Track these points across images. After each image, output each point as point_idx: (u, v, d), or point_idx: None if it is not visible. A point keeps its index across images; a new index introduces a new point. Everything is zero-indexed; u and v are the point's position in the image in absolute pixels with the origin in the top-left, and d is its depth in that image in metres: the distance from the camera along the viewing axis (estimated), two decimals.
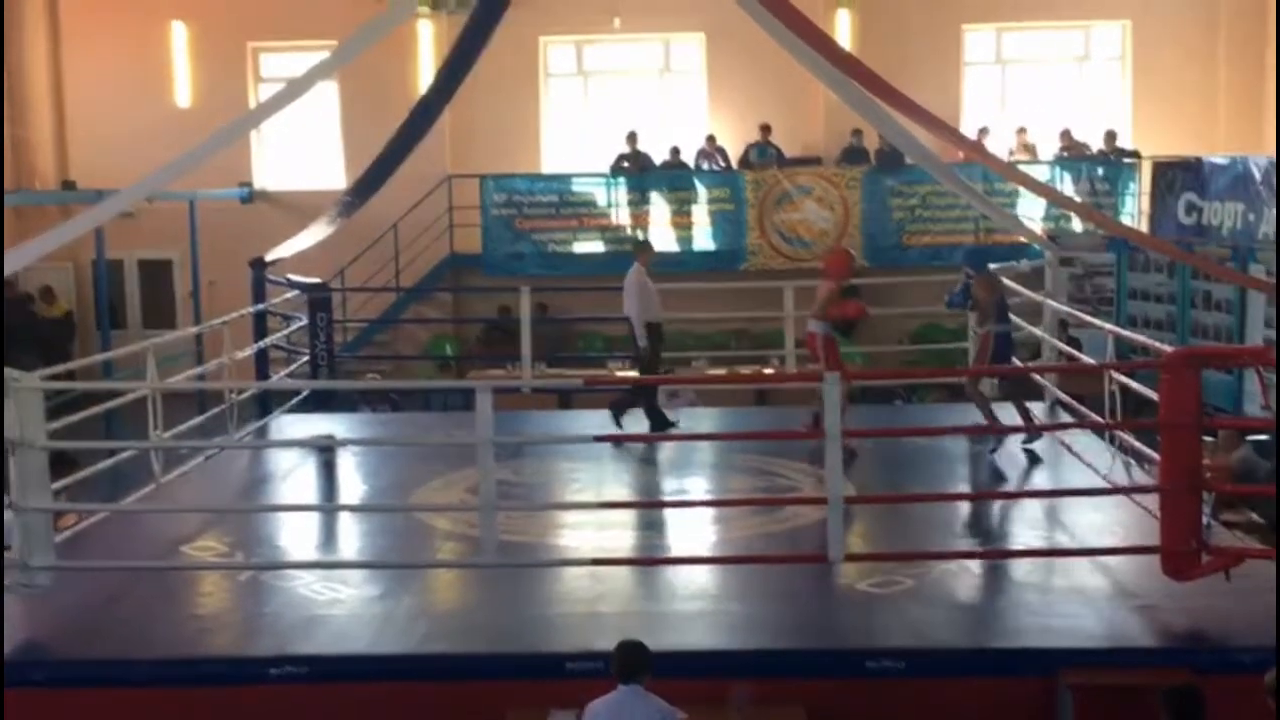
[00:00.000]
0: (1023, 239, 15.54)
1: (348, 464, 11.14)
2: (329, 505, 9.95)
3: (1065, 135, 19.57)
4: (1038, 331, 11.91)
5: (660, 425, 11.48)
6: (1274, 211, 15.61)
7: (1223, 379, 14.20)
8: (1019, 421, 10.36)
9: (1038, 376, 11.98)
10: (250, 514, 9.54)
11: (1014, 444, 10.71)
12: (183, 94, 20.62)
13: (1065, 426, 10.84)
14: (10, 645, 6.83)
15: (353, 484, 10.71)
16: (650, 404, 11.68)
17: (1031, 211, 18.70)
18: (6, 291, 17.13)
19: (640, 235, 18.21)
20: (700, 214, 19.40)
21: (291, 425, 12.62)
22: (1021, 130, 19.73)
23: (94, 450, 9.67)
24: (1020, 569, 7.76)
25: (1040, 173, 18.63)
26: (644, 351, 11.70)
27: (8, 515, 7.30)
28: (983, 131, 19.41)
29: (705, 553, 8.46)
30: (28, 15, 20.26)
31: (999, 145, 19.50)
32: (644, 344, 11.68)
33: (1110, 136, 19.49)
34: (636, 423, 11.57)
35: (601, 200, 19.58)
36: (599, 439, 10.00)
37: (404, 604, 7.54)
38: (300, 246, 13.49)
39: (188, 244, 19.23)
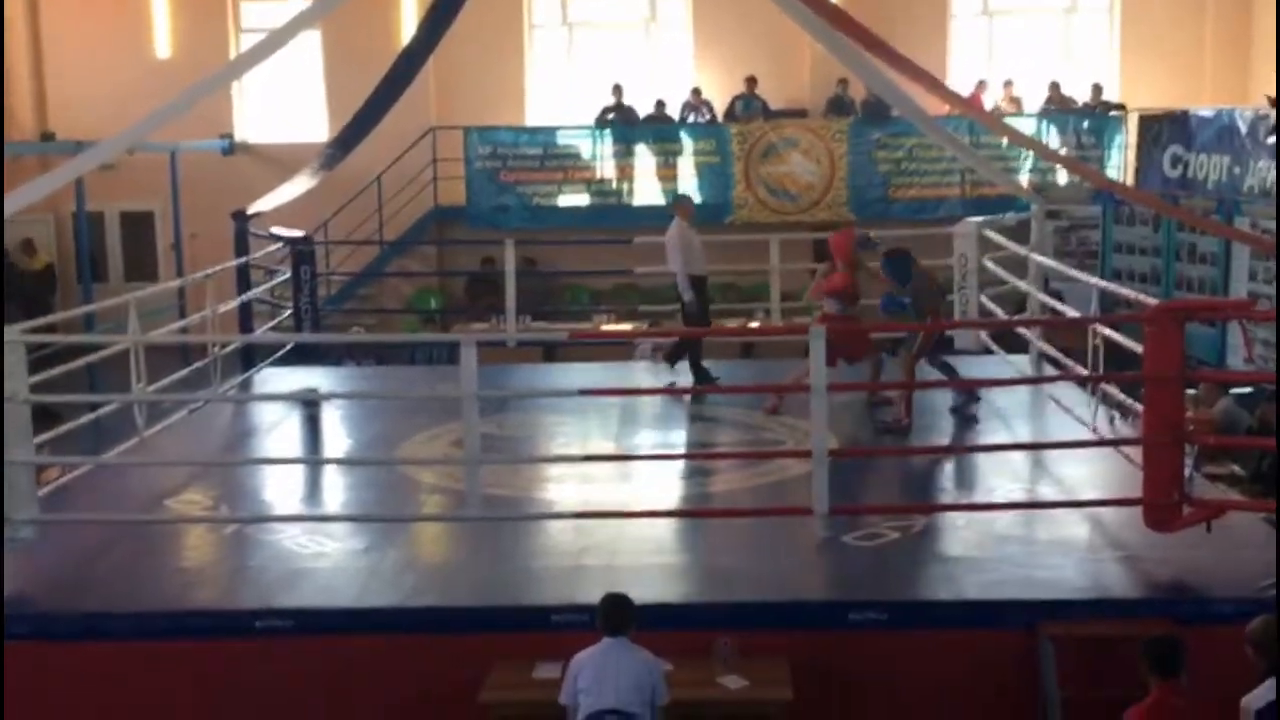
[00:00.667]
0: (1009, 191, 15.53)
1: (332, 418, 11.12)
2: (313, 459, 9.95)
3: (1053, 88, 19.51)
4: (1022, 285, 11.91)
5: (703, 379, 11.44)
6: (1258, 164, 15.61)
7: (1206, 332, 14.24)
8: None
9: (1023, 330, 11.99)
10: (234, 467, 9.52)
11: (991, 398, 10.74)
12: (162, 44, 20.41)
13: (1049, 379, 10.86)
14: None
15: (337, 438, 10.70)
16: (695, 357, 11.64)
17: (1017, 164, 18.67)
18: None
19: (677, 192, 18.11)
20: (686, 167, 19.31)
21: (275, 378, 12.59)
22: (1008, 83, 19.67)
23: (77, 404, 9.65)
24: (1003, 521, 7.79)
25: (1026, 126, 18.58)
26: (690, 305, 11.62)
27: None
28: (980, 85, 19.35)
29: (690, 506, 8.49)
30: None
31: (987, 99, 19.45)
32: (689, 297, 11.60)
33: (1096, 90, 19.44)
34: (612, 377, 11.53)
35: (586, 153, 19.47)
36: (584, 393, 9.99)
37: (389, 557, 7.55)
38: (283, 199, 13.41)
39: (169, 196, 19.13)
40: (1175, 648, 5.52)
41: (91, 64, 20.03)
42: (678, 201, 12.64)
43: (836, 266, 10.92)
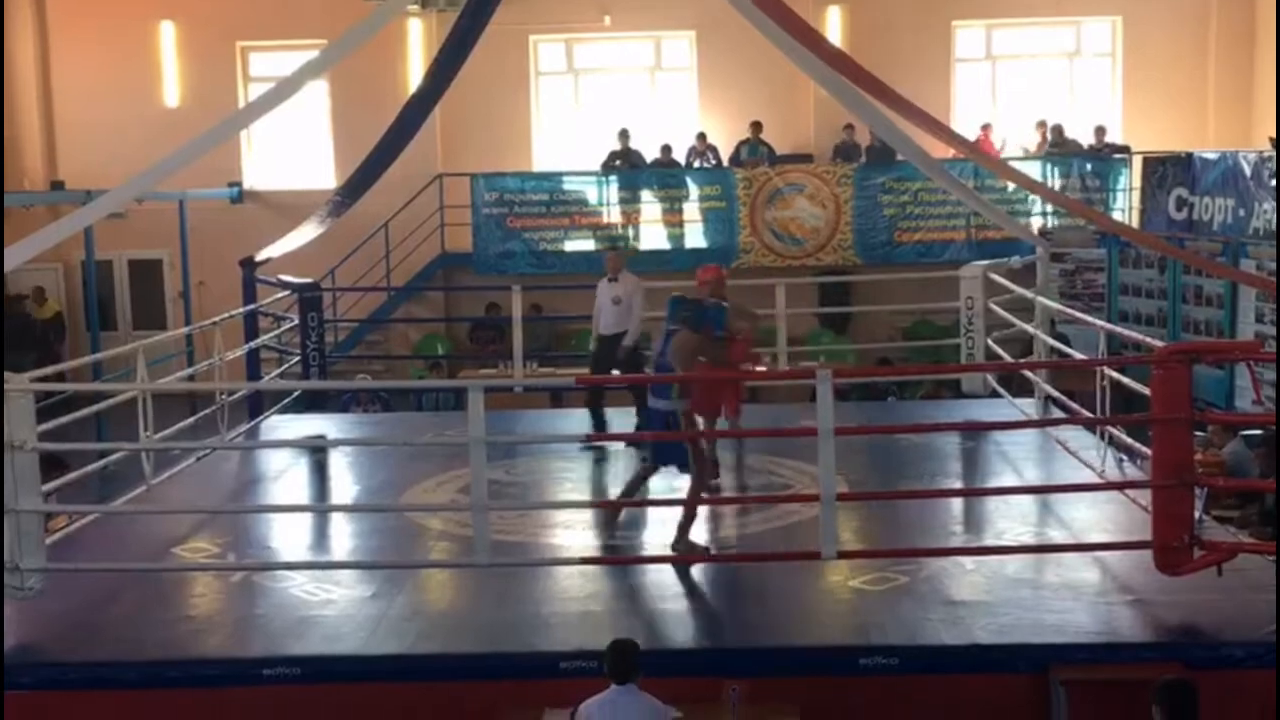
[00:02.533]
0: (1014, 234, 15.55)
1: (339, 464, 11.11)
2: (321, 506, 9.93)
3: (1056, 130, 19.59)
4: (1029, 328, 11.91)
5: (599, 423, 11.26)
6: (1263, 206, 15.65)
7: (1214, 374, 14.23)
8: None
9: (1029, 373, 11.99)
10: (242, 515, 9.50)
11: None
12: (171, 93, 20.60)
13: (1057, 422, 10.84)
14: None
15: (344, 484, 10.68)
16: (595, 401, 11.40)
17: (1022, 208, 18.72)
18: None
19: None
20: (692, 212, 19.41)
21: (283, 425, 12.59)
22: (1041, 124, 19.72)
23: (84, 451, 9.65)
24: (1013, 565, 7.76)
25: (1031, 169, 18.64)
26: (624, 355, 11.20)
27: None
28: (986, 128, 19.44)
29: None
30: (16, 15, 20.22)
31: (1011, 142, 19.57)
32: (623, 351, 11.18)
33: (1100, 132, 19.51)
34: (619, 423, 11.49)
35: (593, 198, 19.57)
36: (589, 439, 9.96)
37: (397, 604, 7.53)
38: (291, 246, 13.44)
39: (177, 244, 19.21)
40: (1189, 693, 5.48)
41: (101, 113, 20.19)
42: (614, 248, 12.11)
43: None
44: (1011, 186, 18.16)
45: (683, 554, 8.03)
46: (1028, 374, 12.09)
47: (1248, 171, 16.18)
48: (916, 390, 15.24)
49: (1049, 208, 18.54)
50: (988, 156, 17.66)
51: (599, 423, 11.28)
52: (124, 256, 20.56)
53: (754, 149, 19.59)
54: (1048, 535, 8.48)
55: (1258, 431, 11.00)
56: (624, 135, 19.61)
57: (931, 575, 7.65)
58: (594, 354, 11.40)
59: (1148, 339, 9.54)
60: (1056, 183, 18.89)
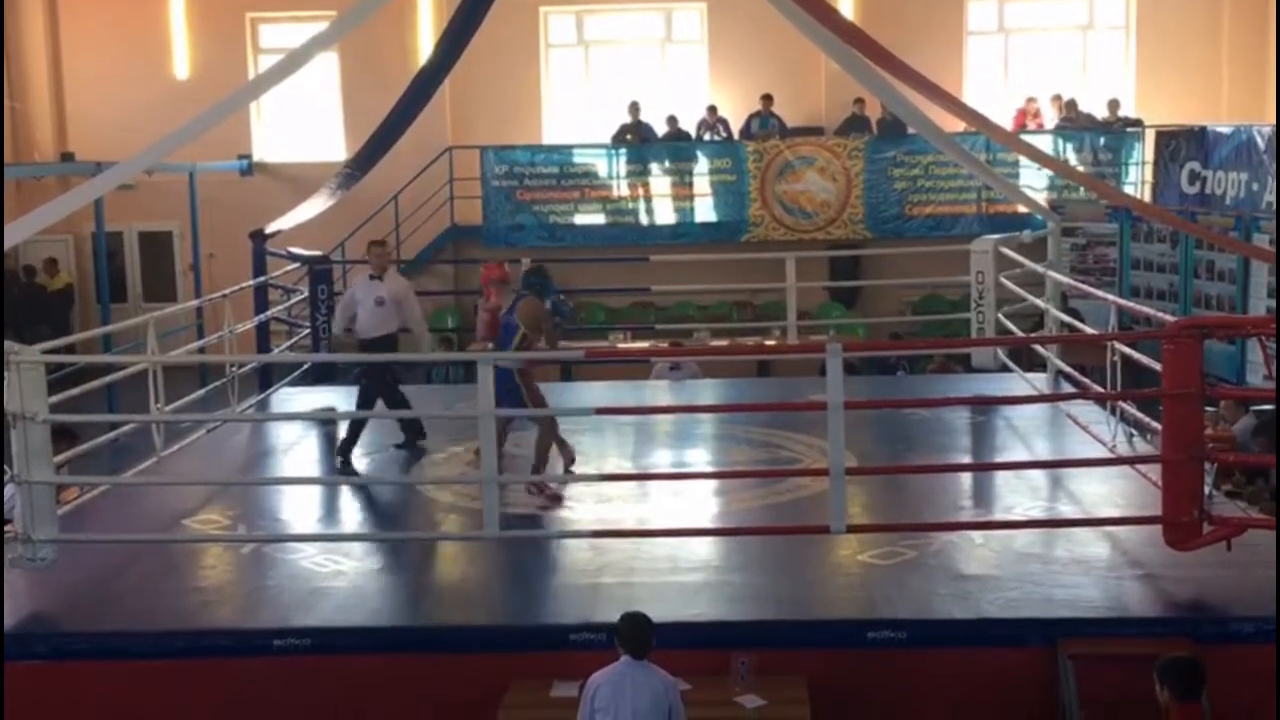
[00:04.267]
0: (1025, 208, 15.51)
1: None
2: (331, 478, 9.96)
3: (1070, 105, 19.50)
4: (1040, 302, 11.89)
5: (346, 465, 9.97)
6: (1277, 181, 15.57)
7: (1225, 349, 14.19)
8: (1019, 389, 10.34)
9: (1039, 348, 11.97)
10: (252, 487, 9.54)
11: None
12: (181, 65, 20.55)
13: (1067, 397, 10.82)
14: (14, 618, 6.84)
15: (354, 457, 10.69)
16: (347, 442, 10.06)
17: (1034, 181, 18.66)
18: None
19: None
20: (702, 185, 19.33)
21: (293, 398, 12.61)
22: (1057, 98, 19.65)
23: (95, 424, 9.68)
24: (1022, 539, 7.76)
25: (1043, 142, 18.56)
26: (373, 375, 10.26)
27: (10, 488, 7.32)
28: (1031, 100, 19.46)
29: (707, 524, 8.47)
30: None
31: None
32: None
33: (1113, 105, 19.41)
34: (629, 396, 11.49)
35: (603, 171, 19.52)
36: (600, 412, 9.98)
37: (406, 576, 7.55)
38: (300, 219, 13.46)
39: (187, 216, 19.21)
40: (1195, 669, 5.48)
41: (111, 85, 20.17)
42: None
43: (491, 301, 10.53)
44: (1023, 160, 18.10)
45: (536, 486, 8.71)
46: (1038, 349, 12.06)
47: (1261, 145, 16.10)
48: (926, 364, 15.22)
49: (1059, 181, 18.46)
50: (999, 129, 17.59)
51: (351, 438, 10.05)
52: (134, 229, 20.57)
53: (764, 122, 19.52)
54: (1057, 510, 8.48)
55: (1268, 407, 10.97)
56: (634, 108, 19.55)
57: (940, 549, 7.66)
58: (362, 366, 10.18)
59: (1159, 314, 9.50)
60: (1071, 157, 18.80)
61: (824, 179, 19.13)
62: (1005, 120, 19.02)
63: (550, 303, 9.44)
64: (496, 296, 10.53)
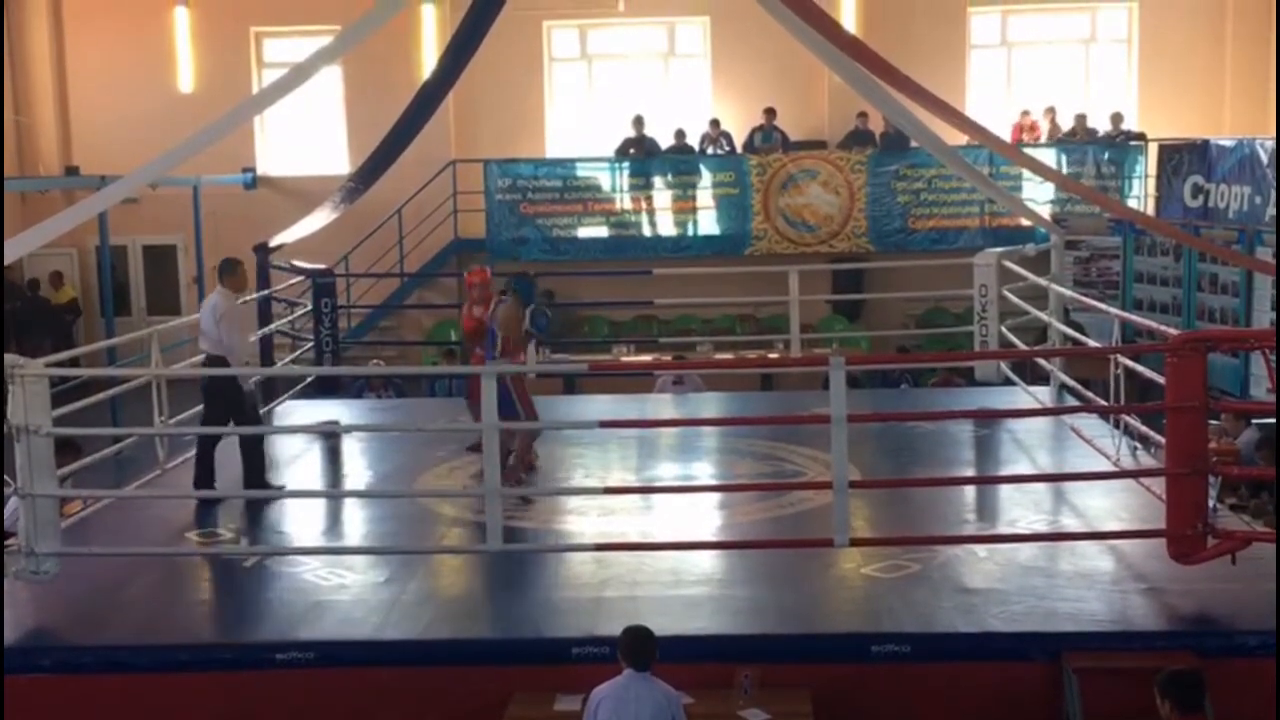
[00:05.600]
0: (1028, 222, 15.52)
1: (352, 450, 11.13)
2: (334, 491, 9.96)
3: (1079, 119, 19.51)
4: (1043, 316, 11.89)
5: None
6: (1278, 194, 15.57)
7: (1229, 362, 14.17)
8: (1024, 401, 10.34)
9: (1042, 361, 11.96)
10: (255, 500, 9.53)
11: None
12: (185, 79, 20.61)
13: (1071, 410, 10.81)
14: (17, 632, 6.84)
15: (357, 470, 10.71)
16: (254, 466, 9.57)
17: (1037, 194, 18.67)
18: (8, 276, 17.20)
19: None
20: (705, 198, 19.37)
21: (296, 411, 12.62)
22: (1049, 110, 19.69)
23: (99, 436, 9.68)
24: (1025, 553, 7.74)
25: (1046, 156, 18.58)
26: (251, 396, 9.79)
27: (12, 502, 7.32)
28: (1025, 114, 19.51)
29: (711, 537, 8.46)
30: (30, 0, 20.24)
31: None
32: (248, 386, 9.70)
33: (1116, 119, 19.43)
34: (633, 409, 11.49)
35: (606, 184, 19.55)
36: (604, 424, 9.94)
37: (409, 590, 7.54)
38: (304, 232, 13.45)
39: (191, 229, 19.24)
40: (1196, 682, 5.46)
41: (115, 98, 20.22)
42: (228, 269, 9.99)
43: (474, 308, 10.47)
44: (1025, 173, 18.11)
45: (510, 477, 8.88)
46: (1041, 362, 12.06)
47: (1264, 159, 16.09)
48: (929, 378, 15.22)
49: (1062, 195, 18.48)
50: (1002, 142, 17.61)
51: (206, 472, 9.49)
52: (138, 242, 20.61)
53: (768, 135, 19.54)
54: (1061, 523, 8.46)
55: (1271, 420, 10.95)
56: (639, 122, 19.57)
57: (944, 563, 7.65)
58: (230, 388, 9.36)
59: (1163, 327, 9.50)
60: (1070, 170, 18.80)
61: (827, 192, 19.16)
62: (1006, 134, 19.05)
63: (529, 312, 9.67)
64: (479, 301, 10.52)
